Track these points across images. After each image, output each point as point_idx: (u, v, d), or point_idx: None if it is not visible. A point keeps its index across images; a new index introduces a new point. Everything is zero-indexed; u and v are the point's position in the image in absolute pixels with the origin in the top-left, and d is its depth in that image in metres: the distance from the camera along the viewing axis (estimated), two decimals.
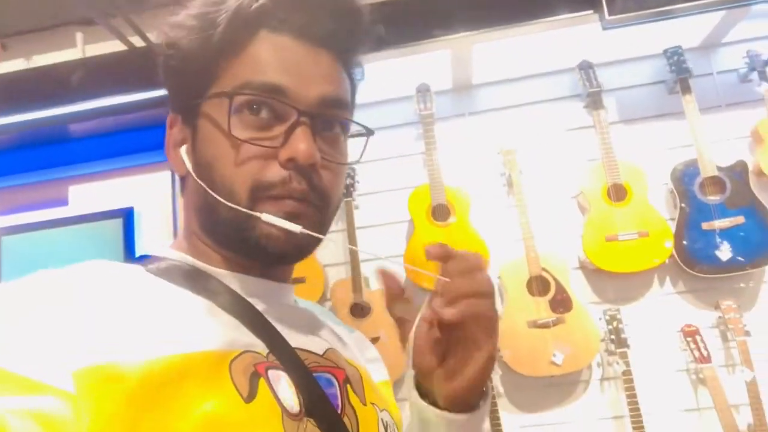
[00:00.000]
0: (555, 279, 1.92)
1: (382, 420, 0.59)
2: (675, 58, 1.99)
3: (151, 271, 0.53)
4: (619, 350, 1.84)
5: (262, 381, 0.48)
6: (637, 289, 1.98)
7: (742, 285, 1.93)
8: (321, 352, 0.57)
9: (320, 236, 0.54)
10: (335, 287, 2.06)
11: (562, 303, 1.90)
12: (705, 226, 1.86)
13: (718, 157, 1.92)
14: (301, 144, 0.51)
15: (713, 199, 1.89)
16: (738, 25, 1.97)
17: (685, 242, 1.87)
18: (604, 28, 1.72)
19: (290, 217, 0.52)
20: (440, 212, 2.01)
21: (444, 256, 0.52)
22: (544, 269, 1.93)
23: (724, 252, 1.84)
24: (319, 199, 0.54)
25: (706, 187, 1.90)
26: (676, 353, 1.88)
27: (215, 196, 0.52)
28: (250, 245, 0.53)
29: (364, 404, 0.58)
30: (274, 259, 0.55)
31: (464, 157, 2.14)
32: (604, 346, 1.89)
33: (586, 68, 2.04)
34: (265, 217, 0.51)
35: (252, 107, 0.52)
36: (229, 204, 0.52)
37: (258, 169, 0.52)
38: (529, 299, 1.91)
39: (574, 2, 1.75)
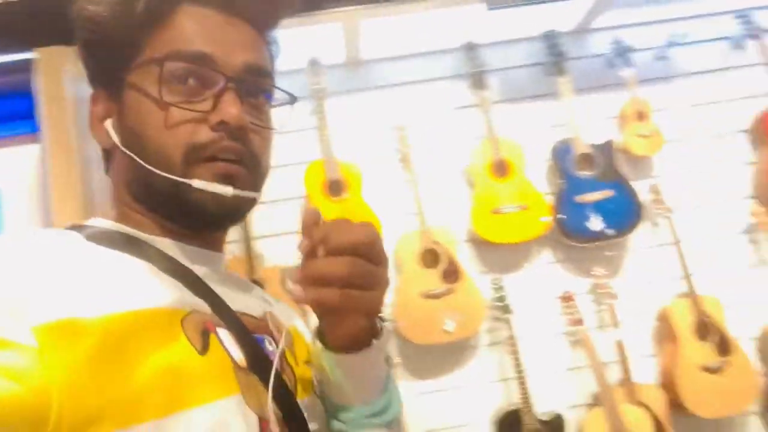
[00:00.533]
0: (446, 251, 1.99)
1: (315, 377, 0.63)
2: (551, 41, 2.12)
3: (88, 237, 0.52)
4: (503, 316, 1.94)
5: (212, 336, 0.51)
6: (520, 259, 2.10)
7: (611, 253, 2.11)
8: (259, 316, 0.61)
9: (253, 194, 0.57)
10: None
11: (452, 274, 1.97)
12: (578, 199, 2.01)
13: (589, 135, 2.08)
14: (231, 108, 0.53)
15: (585, 174, 2.04)
16: (607, 12, 2.14)
17: (561, 214, 2.01)
18: (489, 9, 1.79)
19: (223, 178, 0.54)
20: (334, 187, 2.01)
21: (312, 223, 0.52)
22: (435, 242, 1.99)
23: (595, 223, 1.99)
24: (250, 161, 0.56)
25: (579, 163, 2.05)
26: (555, 318, 2.02)
27: (146, 165, 0.53)
28: (185, 211, 0.55)
29: (298, 364, 0.62)
30: (209, 223, 0.57)
31: (357, 132, 2.14)
32: (491, 314, 1.99)
33: (469, 49, 2.12)
34: (196, 183, 0.53)
35: (181, 75, 0.54)
36: (161, 173, 0.53)
37: (190, 132, 0.53)
38: (421, 271, 1.97)
39: None
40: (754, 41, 2.19)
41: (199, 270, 0.56)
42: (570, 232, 2.01)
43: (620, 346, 1.94)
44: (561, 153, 2.07)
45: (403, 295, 1.95)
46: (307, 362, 0.64)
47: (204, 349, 0.49)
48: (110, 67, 0.57)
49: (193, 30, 0.55)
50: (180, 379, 0.46)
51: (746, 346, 2.00)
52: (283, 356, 0.59)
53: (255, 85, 0.58)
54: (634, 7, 2.22)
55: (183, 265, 0.55)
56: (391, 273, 2.03)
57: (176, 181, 0.53)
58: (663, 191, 2.06)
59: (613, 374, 1.94)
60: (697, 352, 1.93)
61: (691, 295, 1.97)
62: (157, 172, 0.53)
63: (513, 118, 2.15)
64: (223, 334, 0.52)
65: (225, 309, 0.55)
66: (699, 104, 2.23)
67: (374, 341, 0.58)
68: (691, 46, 2.26)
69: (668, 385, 1.96)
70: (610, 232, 1.99)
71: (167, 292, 0.51)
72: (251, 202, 0.59)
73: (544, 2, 1.80)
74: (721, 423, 1.97)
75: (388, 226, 2.00)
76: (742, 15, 2.21)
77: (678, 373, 1.91)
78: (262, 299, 0.66)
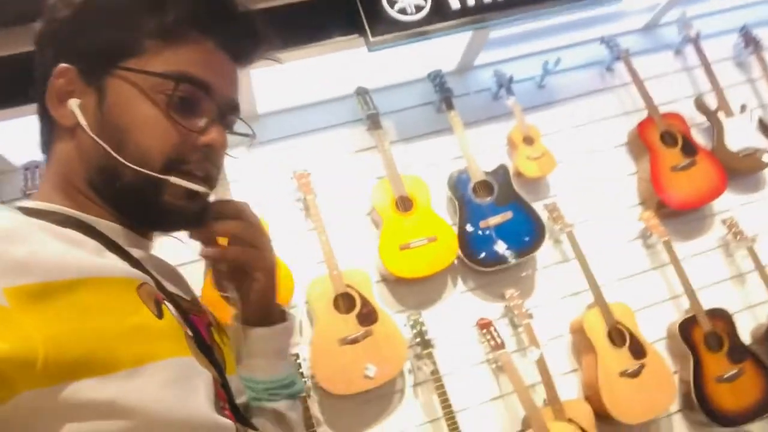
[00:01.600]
0: (359, 293, 1.97)
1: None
2: (438, 80, 2.21)
3: (32, 215, 0.53)
4: (425, 352, 1.92)
5: (164, 306, 0.55)
6: (434, 291, 2.11)
7: (523, 274, 2.15)
8: (189, 298, 0.67)
9: (210, 198, 0.64)
10: None
11: (368, 316, 1.94)
12: (482, 224, 2.06)
13: (484, 163, 2.15)
14: (221, 136, 0.61)
15: (484, 200, 2.10)
16: (484, 51, 2.27)
17: (467, 242, 2.05)
18: (370, 50, 1.85)
19: (192, 193, 0.60)
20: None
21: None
22: (348, 285, 1.97)
23: (500, 245, 2.04)
24: (213, 182, 0.63)
25: (477, 191, 2.11)
26: (476, 346, 2.02)
27: (121, 159, 0.56)
28: (151, 210, 0.59)
29: (224, 343, 0.69)
30: (169, 226, 0.63)
31: (259, 185, 2.12)
32: (412, 352, 1.97)
33: (362, 93, 2.18)
34: (174, 179, 0.58)
35: (185, 96, 0.58)
36: (139, 168, 0.56)
37: (177, 145, 0.58)
38: (337, 317, 1.93)
39: (341, 27, 1.86)
40: (621, 63, 2.37)
41: (135, 253, 0.59)
42: (478, 258, 2.04)
43: (542, 365, 1.96)
44: (458, 183, 2.12)
45: (319, 344, 1.90)
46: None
47: (160, 314, 0.53)
48: (100, 55, 0.58)
49: (206, 60, 0.60)
50: (145, 336, 0.49)
51: (658, 347, 2.08)
52: (211, 335, 0.65)
53: (235, 118, 0.66)
54: (511, 44, 2.37)
55: (122, 247, 0.58)
56: (305, 324, 1.99)
57: (150, 178, 0.57)
58: (561, 208, 2.14)
59: (539, 396, 1.95)
60: (614, 360, 1.97)
61: (600, 304, 2.03)
62: (134, 167, 0.56)
63: (411, 156, 2.20)
64: (169, 306, 0.56)
65: (163, 288, 0.58)
66: (580, 125, 2.37)
67: (283, 322, 0.72)
68: (566, 73, 2.42)
69: (592, 396, 1.99)
70: (516, 252, 2.04)
71: (119, 265, 0.54)
72: (207, 207, 0.65)
73: (420, 40, 1.88)
74: (648, 428, 2.01)
75: (298, 275, 1.96)
76: (608, 40, 2.39)
77: (599, 383, 1.95)
78: (188, 284, 0.72)
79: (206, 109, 0.61)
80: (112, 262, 0.53)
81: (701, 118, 2.40)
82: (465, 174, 2.13)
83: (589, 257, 2.09)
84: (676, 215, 2.26)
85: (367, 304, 1.96)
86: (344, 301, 1.96)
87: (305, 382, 1.86)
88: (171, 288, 0.62)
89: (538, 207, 2.15)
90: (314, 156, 2.19)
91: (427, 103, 2.29)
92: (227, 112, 0.63)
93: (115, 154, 0.56)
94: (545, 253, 2.17)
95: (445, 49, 2.19)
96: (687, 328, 2.06)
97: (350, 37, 1.87)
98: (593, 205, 2.27)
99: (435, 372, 1.90)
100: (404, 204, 2.06)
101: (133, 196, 0.58)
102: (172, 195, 0.58)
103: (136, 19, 0.58)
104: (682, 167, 2.21)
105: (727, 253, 2.30)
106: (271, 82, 1.99)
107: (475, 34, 2.07)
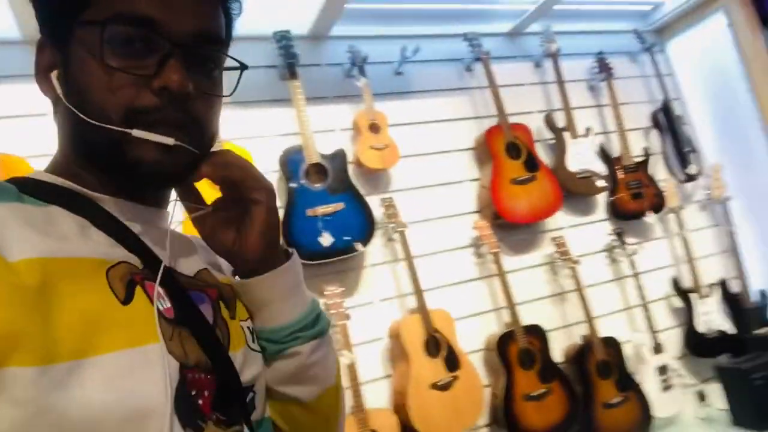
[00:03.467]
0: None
1: (248, 327, 0.64)
2: (284, 42, 1.96)
3: (25, 190, 0.53)
4: None
5: (138, 288, 0.52)
6: None
7: (345, 269, 1.99)
8: (192, 274, 0.63)
9: (194, 150, 0.56)
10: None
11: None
12: (309, 212, 1.86)
13: (323, 145, 1.95)
14: (174, 74, 0.53)
15: (315, 185, 1.90)
16: (342, 23, 2.06)
17: (289, 229, 1.83)
18: None
19: (165, 146, 0.54)
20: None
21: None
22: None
23: (325, 238, 1.85)
24: (195, 128, 0.56)
25: (310, 174, 1.90)
26: None
27: (86, 119, 0.53)
28: (123, 167, 0.54)
29: (234, 318, 0.63)
30: (147, 180, 0.56)
31: None
32: None
33: None
34: (136, 132, 0.52)
35: (123, 38, 0.53)
36: (101, 124, 0.52)
37: (131, 95, 0.53)
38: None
39: None
40: (480, 64, 2.29)
41: (136, 227, 0.57)
42: (302, 248, 1.83)
43: (352, 371, 1.80)
44: (290, 162, 1.90)
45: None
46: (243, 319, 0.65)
47: (128, 299, 0.50)
48: (56, 19, 0.56)
49: None
50: (97, 326, 0.47)
51: (474, 358, 2.03)
52: (216, 312, 0.61)
53: (203, 52, 0.57)
54: (372, 22, 2.19)
55: (118, 221, 0.56)
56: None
57: (115, 134, 0.52)
58: (397, 205, 2.01)
59: (349, 401, 1.79)
60: (427, 370, 1.88)
61: (422, 311, 1.93)
62: (97, 123, 0.53)
63: (244, 124, 1.94)
64: (151, 286, 0.53)
65: (156, 264, 0.55)
66: (431, 121, 2.26)
67: (288, 261, 0.64)
68: (425, 65, 2.29)
69: (400, 407, 1.87)
70: (342, 247, 1.87)
71: (94, 245, 0.52)
72: (189, 164, 0.58)
73: None
74: None
75: None
76: (471, 38, 2.30)
77: (408, 394, 1.84)
78: (204, 255, 0.67)
79: (155, 47, 0.54)
80: (85, 243, 0.51)
81: (548, 134, 2.40)
82: (299, 153, 1.91)
83: (419, 260, 1.98)
84: (510, 228, 2.23)
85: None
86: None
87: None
88: (171, 261, 0.59)
89: (374, 201, 1.99)
90: None
91: (270, 66, 2.03)
92: (190, 44, 0.54)
93: (83, 116, 0.53)
94: (374, 250, 2.02)
95: (297, 9, 1.95)
96: (504, 342, 2.02)
97: None
98: (430, 207, 2.16)
99: None
100: None
101: (105, 157, 0.55)
102: (141, 149, 0.53)
103: None
104: (522, 181, 2.18)
105: (552, 271, 2.32)
106: None
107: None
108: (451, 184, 2.22)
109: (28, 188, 0.54)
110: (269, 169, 1.91)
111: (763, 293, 2.52)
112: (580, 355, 2.14)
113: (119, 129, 0.52)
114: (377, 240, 1.99)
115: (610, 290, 2.41)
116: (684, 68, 2.81)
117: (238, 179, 0.61)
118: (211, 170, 0.60)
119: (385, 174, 2.11)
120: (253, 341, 0.65)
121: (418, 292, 1.93)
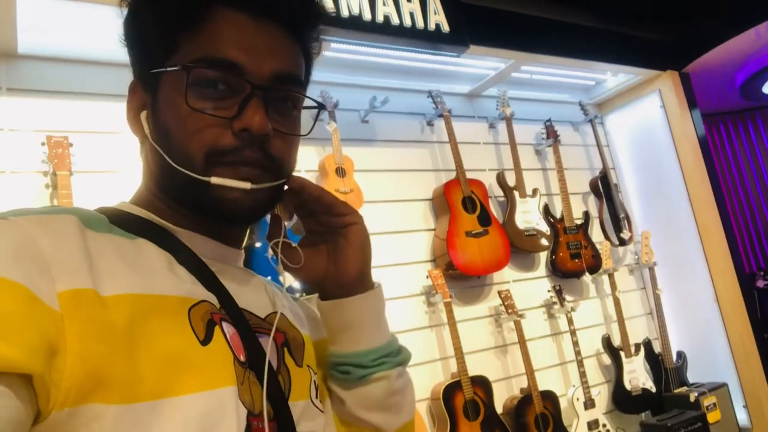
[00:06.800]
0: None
1: (314, 381, 0.65)
2: None
3: (114, 221, 0.55)
4: None
5: (217, 328, 0.53)
6: None
7: None
8: (263, 316, 0.62)
9: (270, 184, 0.57)
10: None
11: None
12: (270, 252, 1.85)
13: None
14: (255, 116, 0.54)
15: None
16: (317, 69, 2.11)
17: (253, 269, 1.82)
18: None
19: (243, 179, 0.55)
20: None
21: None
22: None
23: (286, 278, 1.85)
24: (272, 167, 0.57)
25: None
26: None
27: (170, 161, 0.55)
28: (205, 208, 0.57)
29: (300, 366, 0.63)
30: (228, 220, 0.59)
31: None
32: None
33: None
34: (215, 180, 0.54)
35: (208, 80, 0.55)
36: (182, 169, 0.54)
37: (213, 137, 0.55)
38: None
39: None
40: (441, 120, 2.40)
41: (214, 265, 0.58)
42: None
43: None
44: None
45: None
46: (309, 366, 0.65)
47: (207, 339, 0.51)
48: (146, 63, 0.58)
49: (225, 36, 0.56)
50: (178, 366, 0.47)
51: (420, 406, 2.05)
52: (281, 358, 0.61)
53: (282, 92, 0.58)
54: (345, 71, 2.25)
55: (199, 259, 0.57)
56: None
57: (196, 179, 0.54)
58: None
59: None
60: None
61: None
62: (179, 168, 0.55)
63: None
64: (228, 327, 0.54)
65: (232, 305, 0.56)
66: (393, 170, 2.33)
67: (375, 287, 0.66)
68: (391, 116, 2.37)
69: None
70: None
71: (179, 282, 0.53)
72: (269, 203, 0.60)
73: None
74: None
75: None
76: (435, 96, 2.41)
77: None
78: (275, 297, 0.67)
79: (237, 89, 0.56)
80: (171, 280, 0.52)
81: (499, 192, 2.52)
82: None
83: None
84: (461, 278, 2.30)
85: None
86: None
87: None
88: (244, 302, 0.59)
89: None
90: (76, 122, 1.76)
91: None
92: (270, 86, 0.56)
93: (167, 159, 0.55)
94: None
95: None
96: (450, 392, 2.06)
97: None
98: (387, 253, 2.21)
99: None
100: None
101: (187, 198, 0.57)
102: (222, 191, 0.55)
103: (164, 15, 0.57)
104: (475, 234, 2.27)
105: (497, 322, 2.40)
106: (42, 17, 1.57)
107: None
108: (408, 232, 2.28)
109: (117, 220, 0.55)
110: None
111: (680, 354, 2.72)
112: (520, 407, 2.21)
113: (198, 177, 0.54)
114: None
115: (547, 344, 2.52)
116: (620, 140, 3.06)
117: (329, 203, 0.63)
118: (293, 196, 0.63)
119: None
120: (317, 397, 0.64)
121: None
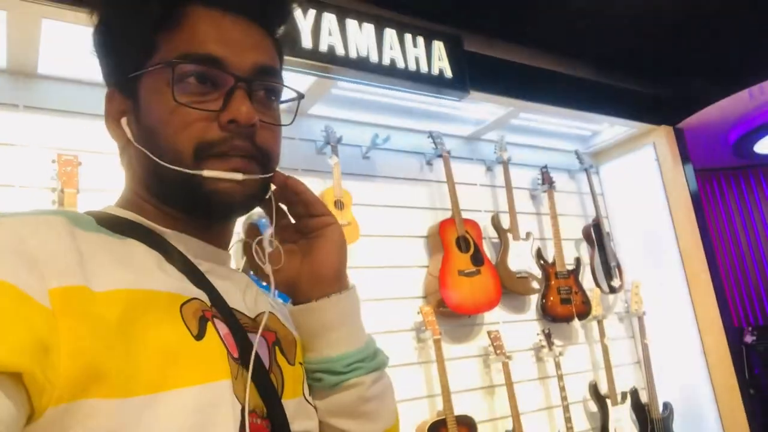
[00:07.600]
0: None
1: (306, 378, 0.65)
2: None
3: (101, 223, 0.55)
4: None
5: (209, 324, 0.53)
6: None
7: None
8: (253, 315, 0.62)
9: (262, 175, 0.60)
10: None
11: None
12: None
13: None
14: (241, 107, 0.56)
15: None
16: (321, 103, 2.19)
17: None
18: None
19: (234, 170, 0.57)
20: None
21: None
22: None
23: None
24: (261, 156, 0.59)
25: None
26: None
27: (158, 161, 0.56)
28: (198, 203, 0.57)
29: (292, 364, 0.63)
30: (222, 210, 0.59)
31: (8, 157, 1.70)
32: None
33: None
34: (207, 172, 0.55)
35: (192, 76, 0.56)
36: (172, 167, 0.55)
37: (200, 131, 0.56)
38: None
39: None
40: (440, 161, 2.46)
41: (203, 265, 0.58)
42: None
43: None
44: (258, 227, 1.94)
45: None
46: (301, 363, 0.65)
47: (200, 335, 0.51)
48: (125, 68, 0.59)
49: (204, 32, 0.57)
50: (173, 360, 0.48)
51: None
52: (272, 356, 0.61)
53: (264, 84, 0.60)
54: (349, 107, 2.33)
55: (188, 259, 0.57)
56: None
57: (187, 174, 0.55)
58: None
59: None
60: None
61: None
62: (169, 166, 0.56)
63: None
64: (220, 325, 0.54)
65: (223, 304, 0.57)
66: (391, 206, 2.38)
67: (351, 288, 0.66)
68: (391, 153, 2.44)
69: None
70: None
71: (170, 280, 0.53)
72: (260, 194, 0.62)
73: None
74: None
75: None
76: (436, 136, 2.48)
77: None
78: (264, 298, 0.67)
79: (220, 82, 0.57)
80: (162, 277, 0.53)
81: (494, 233, 2.57)
82: (266, 219, 1.95)
83: None
84: (452, 316, 2.33)
85: None
86: None
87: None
88: (233, 302, 0.59)
89: None
90: (87, 142, 1.81)
91: None
92: (252, 78, 0.58)
93: (154, 158, 0.56)
94: None
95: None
96: (435, 431, 2.06)
97: None
98: (380, 287, 2.24)
99: None
100: None
101: (179, 195, 0.58)
102: (214, 183, 0.56)
103: (141, 18, 0.58)
104: (468, 273, 2.31)
105: (485, 363, 2.42)
106: (62, 39, 1.64)
107: (318, 81, 1.98)
108: (402, 267, 2.32)
109: (104, 221, 0.55)
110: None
111: (666, 406, 2.72)
112: None
113: (190, 172, 0.55)
114: None
115: (534, 388, 2.53)
116: (614, 190, 3.13)
117: (309, 201, 0.65)
118: (279, 190, 0.64)
119: None
120: (309, 394, 0.64)
121: None
